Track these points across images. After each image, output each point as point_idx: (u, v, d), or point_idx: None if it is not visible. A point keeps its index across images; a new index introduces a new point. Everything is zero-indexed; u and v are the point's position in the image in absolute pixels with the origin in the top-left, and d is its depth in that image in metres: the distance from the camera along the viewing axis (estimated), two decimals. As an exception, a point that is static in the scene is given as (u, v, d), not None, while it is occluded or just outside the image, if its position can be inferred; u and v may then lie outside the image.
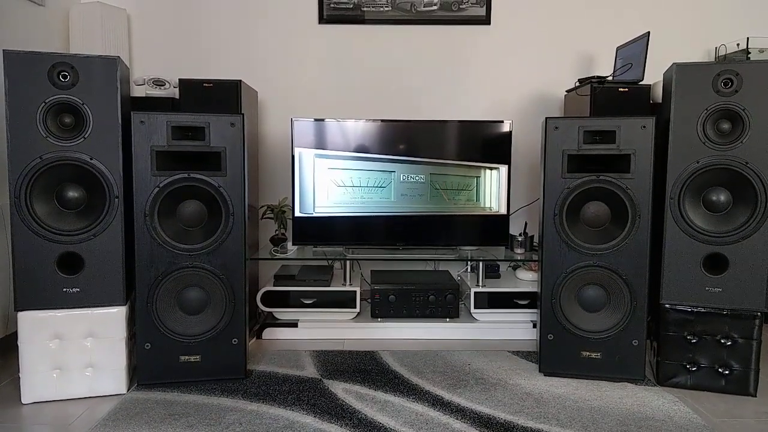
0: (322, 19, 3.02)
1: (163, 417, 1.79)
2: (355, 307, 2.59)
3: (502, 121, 2.66)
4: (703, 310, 2.02)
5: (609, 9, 3.03)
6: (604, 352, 2.09)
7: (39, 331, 1.89)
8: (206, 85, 2.46)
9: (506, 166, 2.66)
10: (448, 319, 2.63)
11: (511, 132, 2.66)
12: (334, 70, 3.06)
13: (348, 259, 2.65)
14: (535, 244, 2.84)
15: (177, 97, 2.53)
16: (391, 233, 2.69)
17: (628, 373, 2.08)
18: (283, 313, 2.64)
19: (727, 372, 2.01)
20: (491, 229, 2.70)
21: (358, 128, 2.64)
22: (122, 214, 1.93)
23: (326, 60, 3.05)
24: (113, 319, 1.95)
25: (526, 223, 2.94)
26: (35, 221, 1.86)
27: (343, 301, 2.59)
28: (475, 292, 2.59)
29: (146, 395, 1.95)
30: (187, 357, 2.03)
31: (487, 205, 2.69)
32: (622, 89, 2.46)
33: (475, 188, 2.68)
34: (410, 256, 2.73)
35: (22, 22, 2.51)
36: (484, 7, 3.01)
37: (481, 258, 2.66)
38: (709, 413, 1.87)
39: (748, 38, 2.76)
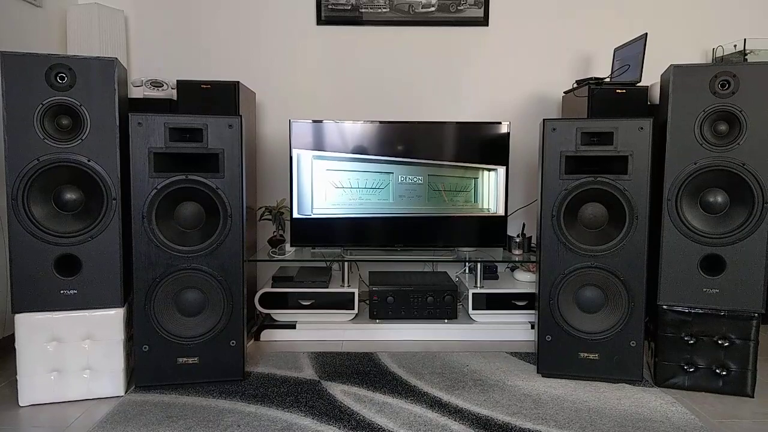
0: (320, 21, 3.02)
1: (161, 419, 1.79)
2: (353, 309, 2.59)
3: (500, 123, 2.66)
4: (700, 311, 2.03)
5: (606, 10, 3.04)
6: (602, 353, 2.09)
7: (36, 333, 1.89)
8: (204, 86, 2.46)
9: (504, 167, 2.67)
10: (446, 321, 2.63)
11: (509, 133, 2.66)
12: (332, 72, 3.06)
13: (346, 261, 2.65)
14: (532, 245, 2.84)
15: (175, 98, 2.52)
16: (389, 234, 2.69)
17: (626, 374, 2.08)
18: (281, 315, 2.64)
19: (724, 373, 2.01)
20: (489, 230, 2.70)
21: (356, 129, 2.64)
22: (120, 216, 1.93)
23: (324, 61, 3.05)
24: (111, 321, 1.95)
25: (524, 224, 2.94)
26: (33, 223, 1.86)
27: (342, 302, 2.59)
28: (473, 293, 2.59)
29: (144, 397, 1.94)
30: (185, 359, 2.03)
31: (485, 206, 2.69)
32: (619, 90, 2.46)
33: (473, 189, 2.68)
34: (408, 258, 2.73)
35: (19, 23, 2.51)
36: (482, 9, 3.01)
37: (479, 259, 2.66)
38: (707, 414, 1.87)
39: (745, 40, 2.77)
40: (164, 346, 2.00)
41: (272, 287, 2.60)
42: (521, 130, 3.07)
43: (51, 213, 1.90)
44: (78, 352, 1.93)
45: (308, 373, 2.16)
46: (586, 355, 2.10)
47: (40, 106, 1.84)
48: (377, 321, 2.62)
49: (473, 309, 2.60)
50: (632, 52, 2.55)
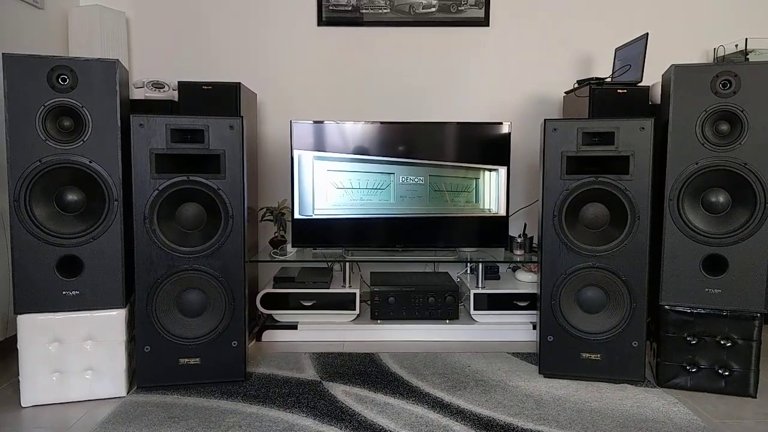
0: (321, 22, 3.02)
1: (163, 420, 1.79)
2: (354, 309, 2.59)
3: (501, 123, 2.66)
4: (702, 311, 2.02)
5: (608, 10, 3.04)
6: (604, 353, 2.09)
7: (38, 334, 1.89)
8: (205, 87, 2.46)
9: (505, 167, 2.66)
10: (447, 321, 2.63)
11: (510, 133, 2.66)
12: (333, 72, 3.06)
13: (347, 261, 2.65)
14: (534, 245, 2.84)
15: (176, 99, 2.53)
16: (390, 235, 2.69)
17: (628, 374, 2.08)
18: (283, 315, 2.64)
19: (727, 373, 2.01)
20: (491, 230, 2.70)
21: (357, 130, 2.64)
22: (122, 217, 1.93)
23: (325, 62, 3.05)
24: (113, 322, 1.95)
25: (525, 225, 2.94)
26: (35, 224, 1.86)
27: (343, 302, 2.59)
28: (474, 294, 2.59)
29: (146, 398, 1.95)
30: (186, 360, 2.03)
31: (487, 206, 2.69)
32: (620, 90, 2.46)
33: (475, 190, 2.68)
34: (410, 258, 2.73)
35: (21, 25, 2.51)
36: (483, 9, 3.01)
37: (481, 259, 2.66)
38: (710, 414, 1.87)
39: (746, 39, 2.77)
40: (166, 347, 2.01)
41: (274, 288, 2.60)
42: (522, 131, 3.07)
43: (53, 214, 1.90)
44: (80, 352, 1.93)
45: (310, 373, 2.16)
46: (587, 355, 2.10)
47: (42, 107, 1.84)
48: (378, 321, 2.62)
49: (475, 309, 2.60)
50: (633, 52, 2.55)
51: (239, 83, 2.47)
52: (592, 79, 2.58)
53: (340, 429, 1.73)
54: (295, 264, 2.87)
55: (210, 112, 2.41)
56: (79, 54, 2.72)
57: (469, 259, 2.76)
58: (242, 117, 2.02)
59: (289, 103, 3.06)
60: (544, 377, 2.14)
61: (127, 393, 1.99)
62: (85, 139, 1.88)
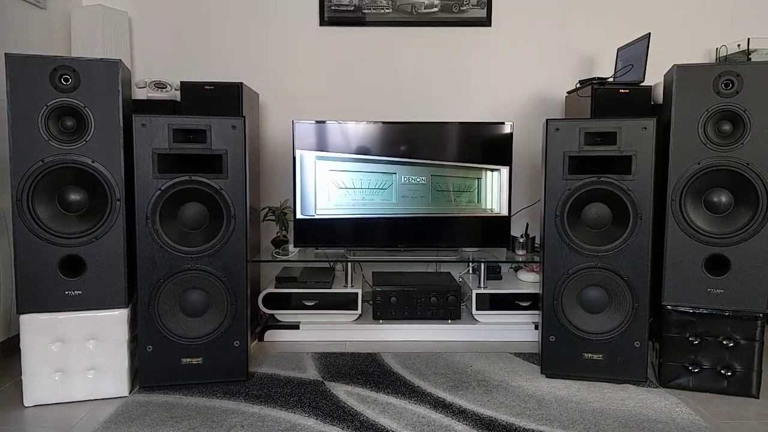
0: (323, 21, 3.02)
1: (165, 420, 1.79)
2: (356, 309, 2.59)
3: (503, 123, 2.66)
4: (705, 312, 2.02)
5: (609, 10, 3.03)
6: (606, 353, 2.09)
7: (41, 333, 1.89)
8: (207, 87, 2.46)
9: (507, 167, 2.66)
10: (449, 321, 2.63)
11: (512, 133, 2.65)
12: (335, 72, 3.06)
13: (349, 261, 2.65)
14: (536, 245, 2.84)
15: (178, 99, 2.53)
16: (392, 235, 2.69)
17: (630, 374, 2.08)
18: (285, 315, 2.64)
19: (729, 373, 2.00)
20: (493, 230, 2.70)
21: (359, 130, 2.64)
22: (124, 216, 1.94)
23: (327, 62, 3.05)
24: (115, 321, 1.95)
25: (527, 225, 2.94)
26: (37, 224, 1.87)
27: (345, 302, 2.59)
28: (476, 294, 2.59)
29: (148, 398, 1.95)
30: (188, 359, 2.03)
31: (489, 206, 2.69)
32: (623, 90, 2.46)
33: (477, 190, 2.68)
34: (412, 258, 2.73)
35: (24, 25, 2.52)
36: (485, 9, 3.01)
37: (483, 259, 2.66)
38: (712, 415, 1.87)
39: (748, 39, 2.76)
40: (168, 347, 2.01)
41: (276, 288, 2.60)
42: (524, 130, 3.07)
43: (55, 214, 1.90)
44: (82, 352, 1.93)
45: (312, 373, 2.16)
46: (590, 355, 2.10)
47: (45, 107, 1.84)
48: (381, 321, 2.62)
49: (477, 309, 2.60)
50: (635, 52, 2.54)
51: (241, 83, 2.47)
52: (594, 78, 2.58)
53: (343, 429, 1.73)
54: (297, 264, 2.87)
55: (212, 112, 2.42)
56: (82, 54, 2.72)
57: (471, 259, 2.76)
58: (244, 117, 2.02)
59: (291, 102, 3.06)
60: (546, 377, 2.14)
61: (130, 392, 1.99)
62: (87, 139, 1.88)
